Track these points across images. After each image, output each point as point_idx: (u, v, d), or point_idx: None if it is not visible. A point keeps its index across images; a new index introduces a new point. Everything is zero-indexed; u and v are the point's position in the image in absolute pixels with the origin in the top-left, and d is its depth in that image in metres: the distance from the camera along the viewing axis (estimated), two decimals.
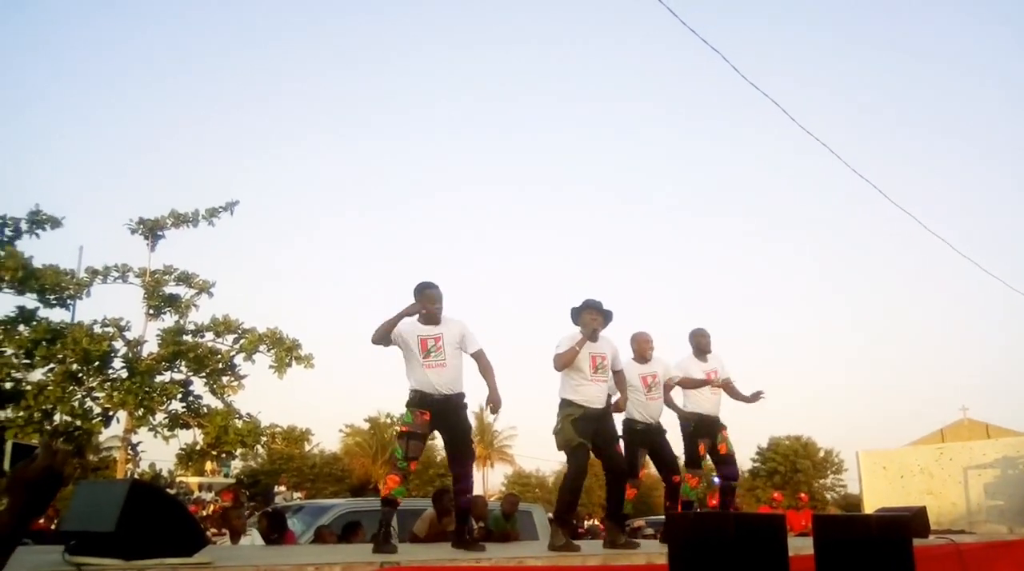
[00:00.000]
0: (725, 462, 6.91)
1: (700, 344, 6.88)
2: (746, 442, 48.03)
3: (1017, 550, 9.12)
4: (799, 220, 77.09)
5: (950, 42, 71.34)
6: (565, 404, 5.51)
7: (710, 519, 4.28)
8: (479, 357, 5.37)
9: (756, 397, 6.99)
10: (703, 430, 6.70)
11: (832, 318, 73.71)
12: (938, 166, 74.07)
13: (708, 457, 6.90)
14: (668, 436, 6.61)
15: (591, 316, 5.60)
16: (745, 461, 48.81)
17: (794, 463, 45.65)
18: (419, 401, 5.09)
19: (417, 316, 5.25)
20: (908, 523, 5.45)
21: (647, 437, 6.44)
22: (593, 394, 5.51)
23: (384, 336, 5.11)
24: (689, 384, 6.72)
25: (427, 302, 5.25)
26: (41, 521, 11.83)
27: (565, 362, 5.44)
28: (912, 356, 70.86)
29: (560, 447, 5.45)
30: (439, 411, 5.11)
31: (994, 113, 72.15)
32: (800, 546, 5.34)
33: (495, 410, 5.35)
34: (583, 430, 5.36)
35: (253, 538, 6.80)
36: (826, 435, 65.15)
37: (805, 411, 70.83)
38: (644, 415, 6.44)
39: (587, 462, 5.44)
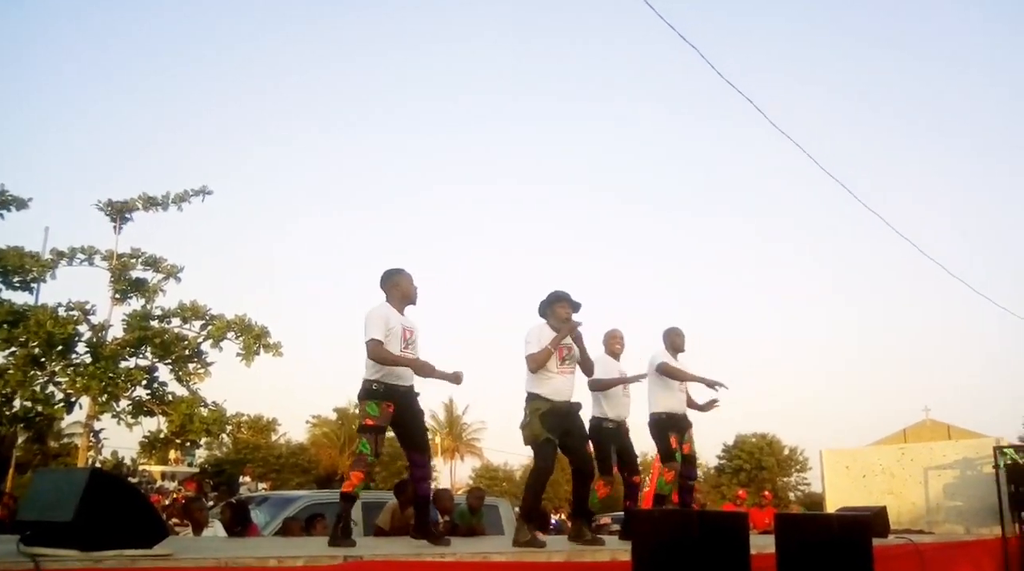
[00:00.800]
0: (686, 462, 6.95)
1: (675, 343, 6.87)
2: (712, 439, 48.55)
3: (974, 550, 9.30)
4: (768, 219, 77.84)
5: (948, 44, 72.32)
6: (532, 397, 5.38)
7: (674, 516, 4.29)
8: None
9: (710, 406, 7.04)
10: (672, 427, 6.73)
11: (798, 317, 74.62)
12: (911, 167, 75.14)
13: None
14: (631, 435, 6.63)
15: (563, 308, 5.48)
16: (711, 458, 49.30)
17: (759, 461, 46.16)
18: (385, 393, 4.95)
19: (394, 304, 5.15)
20: (868, 523, 5.53)
21: (615, 435, 6.46)
22: (560, 386, 5.40)
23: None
24: (676, 374, 6.71)
25: (408, 284, 5.21)
26: None
27: (540, 363, 5.30)
28: (876, 356, 72.01)
29: (527, 442, 5.35)
30: (402, 403, 5.02)
31: (964, 110, 73.22)
32: (762, 544, 5.38)
33: (459, 380, 5.28)
34: (551, 425, 5.27)
35: (216, 530, 6.72)
36: (791, 433, 66.03)
37: (771, 409, 71.71)
38: (615, 413, 6.46)
39: (554, 458, 5.36)
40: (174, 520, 8.93)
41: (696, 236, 77.80)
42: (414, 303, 5.26)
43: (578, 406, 5.62)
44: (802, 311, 75.70)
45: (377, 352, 4.87)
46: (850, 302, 74.74)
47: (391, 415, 4.96)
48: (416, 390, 5.17)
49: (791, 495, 46.43)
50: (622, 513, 7.44)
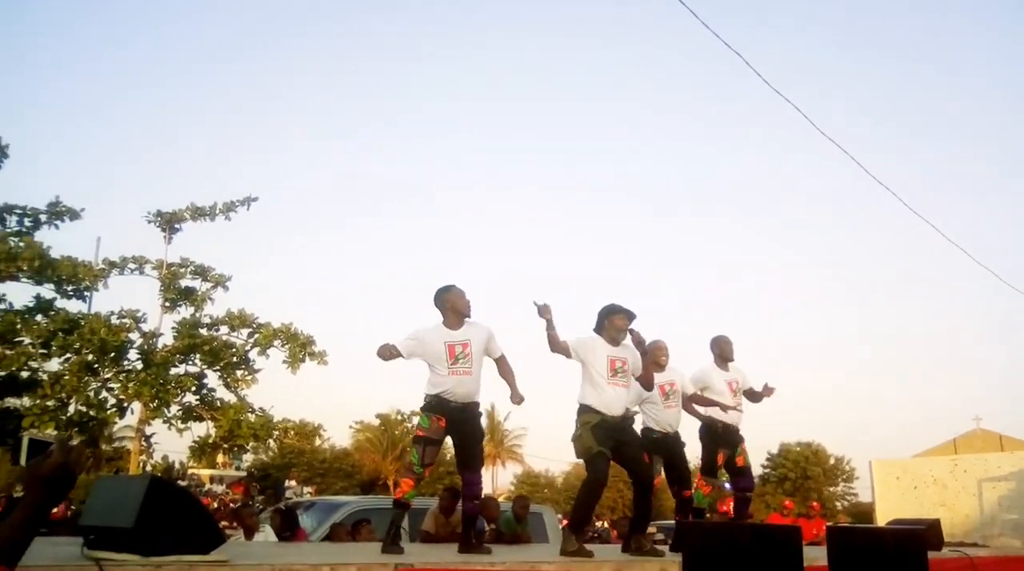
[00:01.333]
0: (742, 474, 6.86)
1: (723, 352, 6.75)
2: (757, 447, 47.82)
3: None
4: (813, 224, 76.65)
5: (962, 42, 70.80)
6: (583, 409, 5.34)
7: (726, 529, 4.25)
8: (502, 361, 5.40)
9: (767, 391, 6.88)
10: (723, 440, 6.62)
11: (845, 324, 73.25)
12: (957, 171, 73.50)
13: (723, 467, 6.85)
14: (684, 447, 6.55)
15: (621, 320, 5.46)
16: (756, 467, 48.59)
17: (804, 470, 45.41)
18: (437, 407, 5.04)
19: (449, 321, 5.21)
20: (924, 537, 5.41)
21: (663, 446, 6.39)
22: (611, 400, 5.33)
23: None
24: (701, 402, 6.64)
25: (457, 300, 5.25)
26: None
27: (552, 343, 5.32)
28: (925, 364, 70.39)
29: (579, 455, 5.30)
30: (456, 419, 5.08)
31: (1011, 112, 71.44)
32: (814, 557, 5.30)
33: (520, 402, 5.40)
34: (602, 438, 5.21)
35: (266, 534, 6.83)
36: (837, 443, 64.87)
37: (816, 418, 70.39)
38: (661, 424, 6.38)
39: (607, 471, 5.29)
40: (223, 524, 9.07)
41: (740, 242, 76.80)
42: (468, 316, 5.28)
43: (631, 419, 5.60)
44: (850, 319, 74.37)
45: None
46: (900, 309, 73.26)
47: (442, 429, 5.05)
48: (474, 409, 5.22)
49: (838, 505, 45.61)
50: (668, 522, 7.39)
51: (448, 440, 5.24)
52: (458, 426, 5.10)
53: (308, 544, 6.43)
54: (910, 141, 73.15)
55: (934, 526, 8.22)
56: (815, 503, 15.27)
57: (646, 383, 5.68)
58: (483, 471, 5.42)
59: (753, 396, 6.93)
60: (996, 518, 10.60)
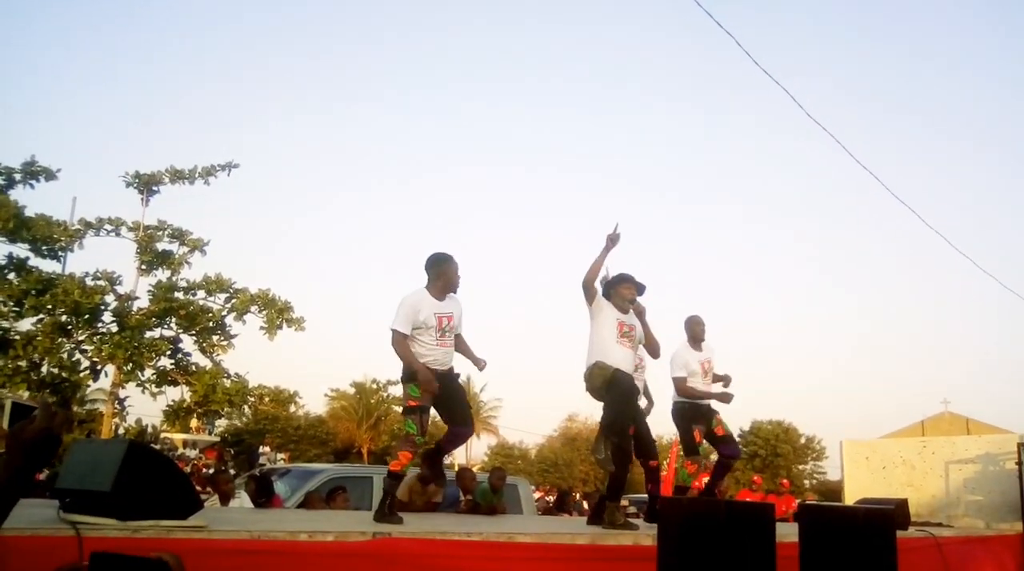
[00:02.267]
0: (725, 441, 6.94)
1: (695, 332, 6.87)
2: (729, 424, 48.47)
3: (993, 544, 9.24)
4: (790, 208, 77.14)
5: (955, 34, 71.08)
6: (595, 364, 5.48)
7: (702, 505, 4.31)
8: (459, 337, 5.41)
9: (725, 397, 6.99)
10: (697, 417, 6.73)
11: (817, 306, 74.07)
12: (934, 158, 74.09)
13: (704, 442, 6.96)
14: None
15: (628, 290, 5.61)
16: None
17: (775, 447, 46.10)
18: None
19: (434, 290, 5.17)
20: (892, 516, 5.50)
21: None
22: (621, 357, 5.50)
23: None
24: (684, 391, 6.74)
25: (452, 273, 5.26)
26: None
27: (591, 276, 5.42)
28: (896, 347, 71.35)
29: (600, 382, 5.44)
30: (441, 385, 5.07)
31: (997, 107, 72.02)
32: (784, 533, 5.39)
33: (484, 366, 5.50)
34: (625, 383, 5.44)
35: (242, 500, 6.84)
36: (808, 422, 65.84)
37: (788, 397, 71.37)
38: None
39: (632, 388, 5.54)
40: (197, 489, 9.03)
41: (710, 221, 77.13)
42: (455, 292, 5.29)
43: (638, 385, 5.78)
44: (823, 298, 75.15)
45: (397, 344, 4.97)
46: (872, 290, 74.07)
47: (431, 397, 5.04)
48: (453, 373, 5.26)
49: (806, 483, 46.37)
50: (640, 495, 7.48)
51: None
52: (444, 389, 5.09)
53: (285, 511, 6.44)
54: (895, 125, 73.61)
55: (901, 505, 8.37)
56: (785, 480, 15.52)
57: (652, 350, 5.85)
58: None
59: (718, 379, 7.11)
60: (961, 499, 10.79)
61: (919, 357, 67.52)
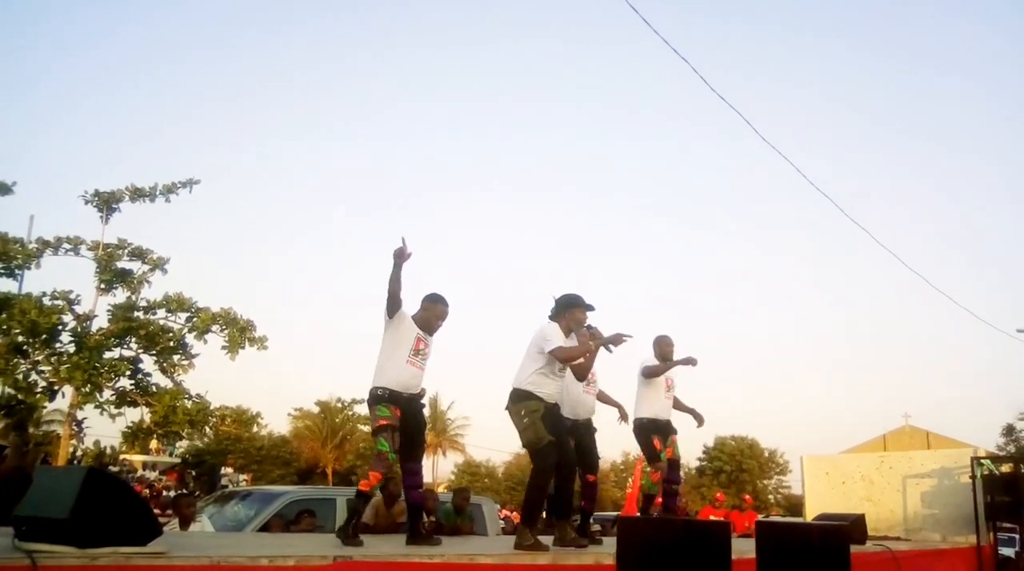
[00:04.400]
0: (670, 467, 7.07)
1: (664, 353, 7.01)
2: (693, 440, 48.86)
3: (949, 557, 9.45)
4: (754, 225, 78.24)
5: (936, 51, 72.83)
6: (527, 396, 5.33)
7: (661, 523, 4.37)
8: None
9: (699, 419, 7.20)
10: (655, 430, 6.87)
11: (781, 322, 75.07)
12: (897, 176, 75.74)
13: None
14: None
15: (582, 313, 5.50)
16: (692, 459, 49.64)
17: (740, 463, 46.47)
18: (390, 398, 5.08)
19: (418, 321, 5.31)
20: (848, 532, 5.61)
21: (574, 432, 6.35)
22: (556, 389, 5.44)
23: (399, 296, 5.12)
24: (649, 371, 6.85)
25: (435, 318, 5.38)
26: None
27: (574, 358, 5.34)
28: (858, 362, 72.54)
29: (530, 446, 5.33)
30: (406, 408, 5.14)
31: (949, 119, 73.82)
32: (743, 550, 5.48)
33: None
34: (551, 427, 5.28)
35: (203, 524, 6.74)
36: (771, 437, 66.58)
37: (752, 412, 72.14)
38: (576, 410, 6.38)
39: (555, 461, 5.30)
40: (157, 511, 8.88)
41: (682, 241, 78.02)
42: (431, 333, 5.38)
43: (592, 410, 5.82)
44: (785, 316, 76.22)
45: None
46: (833, 308, 75.37)
47: (399, 417, 5.08)
48: (418, 399, 5.30)
49: (771, 498, 46.78)
50: (605, 513, 7.54)
51: None
52: (408, 415, 5.15)
53: (246, 535, 6.38)
54: (851, 142, 75.06)
55: (859, 521, 8.55)
56: (747, 496, 15.68)
57: (580, 373, 5.71)
58: (425, 460, 5.50)
59: (685, 409, 7.38)
60: (918, 513, 11.00)
61: (880, 372, 68.73)
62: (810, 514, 10.79)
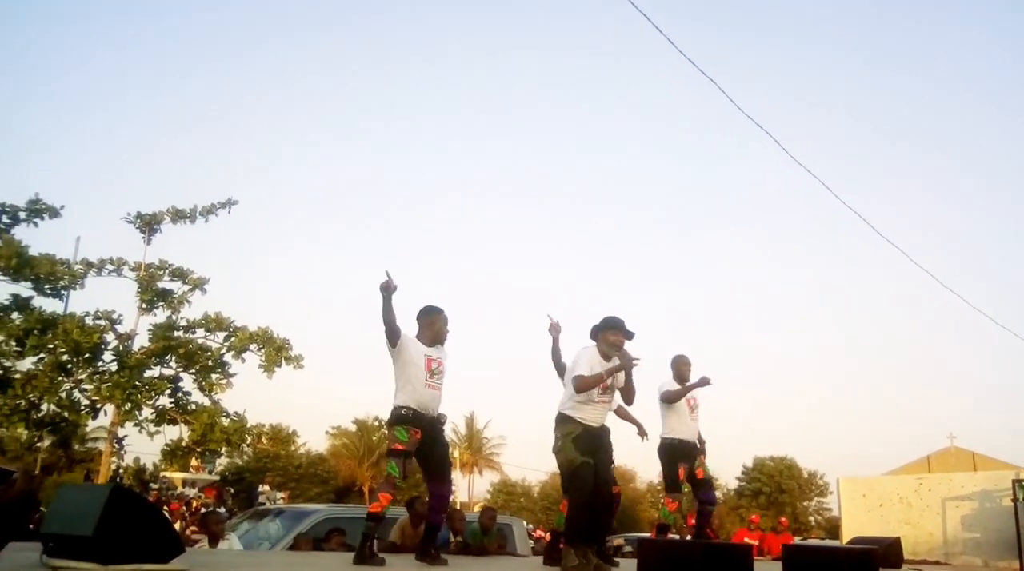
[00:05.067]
0: (702, 486, 7.01)
1: (681, 373, 6.96)
2: (733, 461, 48.21)
3: None
4: (795, 241, 77.35)
5: (944, 58, 71.74)
6: (564, 420, 5.35)
7: (679, 546, 4.36)
8: None
9: (704, 382, 7.02)
10: (682, 455, 6.78)
11: (823, 341, 73.84)
12: (936, 198, 74.49)
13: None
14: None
15: (616, 337, 5.41)
16: (731, 480, 48.95)
17: (779, 484, 45.69)
18: (413, 419, 5.10)
19: (423, 338, 5.35)
20: (875, 556, 5.53)
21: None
22: (596, 415, 5.39)
23: (395, 325, 5.15)
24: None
25: (442, 325, 5.43)
26: None
27: (588, 387, 5.26)
28: (901, 382, 71.12)
29: (563, 467, 5.32)
30: (428, 430, 5.17)
31: (991, 133, 72.45)
32: None
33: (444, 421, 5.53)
34: (585, 448, 5.24)
35: (231, 542, 6.82)
36: (812, 458, 65.45)
37: (793, 433, 70.87)
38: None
39: (592, 479, 5.23)
40: (192, 529, 9.01)
41: (718, 256, 77.34)
42: (442, 343, 5.44)
43: (608, 429, 5.60)
44: (828, 336, 74.96)
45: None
46: (876, 327, 73.93)
47: (418, 441, 5.11)
48: (439, 421, 5.33)
49: (812, 520, 45.91)
50: (641, 535, 7.47)
51: None
52: (429, 437, 5.19)
53: (270, 553, 6.45)
54: (894, 165, 74.05)
55: (894, 544, 8.38)
56: (783, 519, 15.42)
57: (628, 398, 5.62)
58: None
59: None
60: (959, 537, 10.78)
61: (924, 392, 67.27)
62: (846, 537, 10.63)
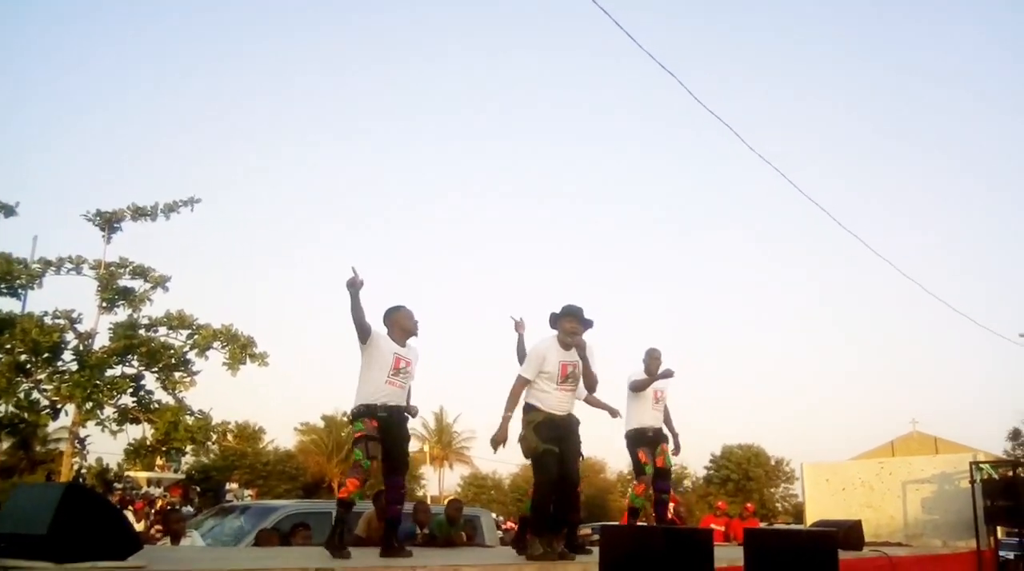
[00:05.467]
0: (660, 475, 7.10)
1: (650, 366, 7.12)
2: (700, 449, 48.74)
3: (949, 563, 9.43)
4: (756, 233, 78.24)
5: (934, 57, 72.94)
6: (528, 408, 5.42)
7: (640, 532, 4.40)
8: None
9: (667, 373, 7.14)
10: (643, 441, 6.93)
11: (787, 329, 74.83)
12: (892, 182, 75.77)
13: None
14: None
15: (570, 324, 5.46)
16: (699, 468, 49.52)
17: (747, 471, 46.30)
18: (366, 412, 5.18)
19: (395, 336, 5.40)
20: (836, 537, 5.63)
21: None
22: (558, 402, 5.42)
23: (364, 322, 5.20)
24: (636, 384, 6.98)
25: (405, 320, 5.47)
26: None
27: (513, 393, 5.38)
28: (864, 369, 72.27)
29: (526, 455, 5.38)
30: (385, 422, 5.21)
31: (946, 124, 73.83)
32: (733, 557, 5.50)
33: (415, 413, 5.61)
34: (548, 436, 5.28)
35: (194, 539, 6.78)
36: (779, 446, 66.30)
37: (759, 421, 71.94)
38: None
39: (556, 468, 5.29)
40: (157, 527, 8.93)
41: (686, 249, 78.01)
42: (415, 335, 5.50)
43: (576, 420, 5.62)
44: (791, 324, 75.96)
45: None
46: (838, 317, 75.16)
47: (376, 428, 5.16)
48: (400, 413, 5.36)
49: (779, 506, 46.59)
50: (611, 523, 7.60)
51: None
52: (387, 429, 5.22)
53: (233, 549, 6.42)
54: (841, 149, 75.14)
55: (855, 527, 8.54)
56: (749, 504, 15.65)
57: (588, 385, 5.71)
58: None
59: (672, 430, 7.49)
60: (919, 519, 10.99)
61: (888, 379, 68.44)
62: (810, 521, 10.78)
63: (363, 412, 5.18)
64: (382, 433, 5.18)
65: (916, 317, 76.12)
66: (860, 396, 68.14)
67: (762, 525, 14.24)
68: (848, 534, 7.96)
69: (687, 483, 47.93)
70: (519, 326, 6.19)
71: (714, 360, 67.69)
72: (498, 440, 5.34)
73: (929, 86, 73.01)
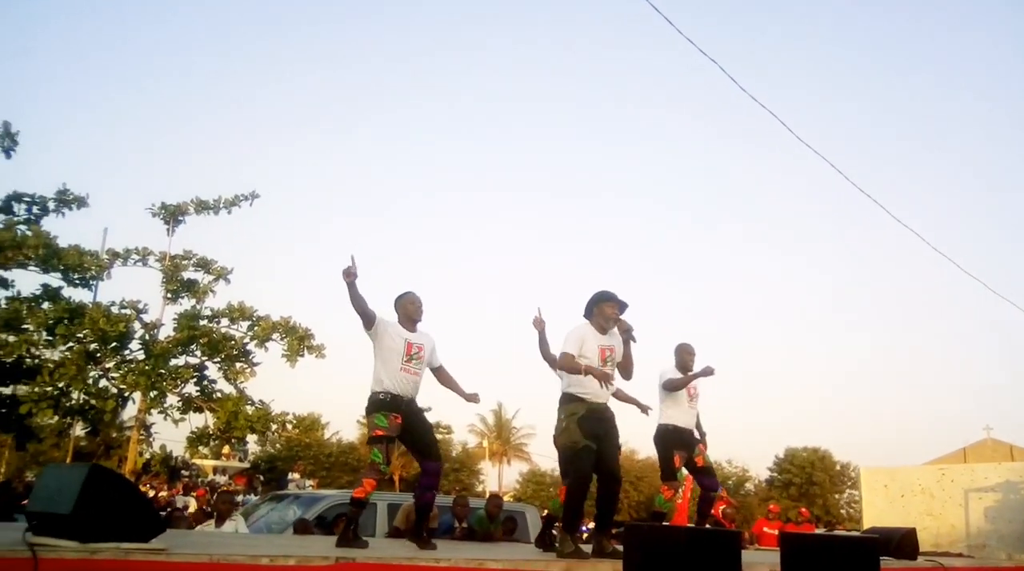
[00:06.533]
0: (704, 473, 6.95)
1: (684, 361, 6.85)
2: (765, 451, 47.82)
3: None
4: (828, 233, 76.31)
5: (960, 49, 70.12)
6: (568, 399, 5.31)
7: (663, 532, 4.34)
8: (442, 371, 5.56)
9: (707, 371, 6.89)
10: (678, 442, 6.72)
11: (860, 332, 72.83)
12: (968, 190, 73.13)
13: (684, 469, 6.96)
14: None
15: (611, 308, 5.39)
16: (762, 470, 48.52)
17: (810, 475, 45.15)
18: (391, 404, 5.16)
19: (403, 323, 5.39)
20: (876, 544, 5.45)
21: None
22: (599, 388, 5.28)
23: (366, 309, 5.21)
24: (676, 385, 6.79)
25: (410, 305, 5.43)
26: None
27: (569, 370, 5.25)
28: (938, 373, 69.97)
29: (564, 449, 5.29)
30: (407, 414, 5.22)
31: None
32: (771, 561, 5.38)
33: (477, 400, 5.60)
34: (589, 431, 5.19)
35: (237, 523, 6.96)
36: (848, 450, 64.66)
37: (826, 423, 70.10)
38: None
39: (593, 465, 5.20)
40: (205, 507, 9.15)
41: (746, 244, 76.49)
42: (420, 321, 5.46)
43: (613, 413, 5.52)
44: (863, 326, 73.92)
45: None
46: (915, 320, 72.80)
47: (399, 426, 5.16)
48: (418, 404, 5.38)
49: (843, 512, 45.34)
50: (634, 521, 7.38)
51: None
52: (409, 420, 5.23)
53: (258, 535, 6.55)
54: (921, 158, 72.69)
55: (909, 535, 8.21)
56: (803, 509, 15.27)
57: (626, 372, 5.60)
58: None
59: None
60: (982, 529, 10.58)
61: (961, 384, 66.10)
62: (866, 527, 10.47)
63: (386, 403, 5.14)
64: (407, 423, 5.19)
65: (989, 320, 73.15)
66: (933, 401, 66.06)
67: (819, 530, 13.88)
68: (901, 542, 7.68)
69: (749, 486, 47.03)
70: (538, 322, 5.92)
71: (783, 360, 66.26)
72: (603, 375, 5.22)
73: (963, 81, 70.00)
